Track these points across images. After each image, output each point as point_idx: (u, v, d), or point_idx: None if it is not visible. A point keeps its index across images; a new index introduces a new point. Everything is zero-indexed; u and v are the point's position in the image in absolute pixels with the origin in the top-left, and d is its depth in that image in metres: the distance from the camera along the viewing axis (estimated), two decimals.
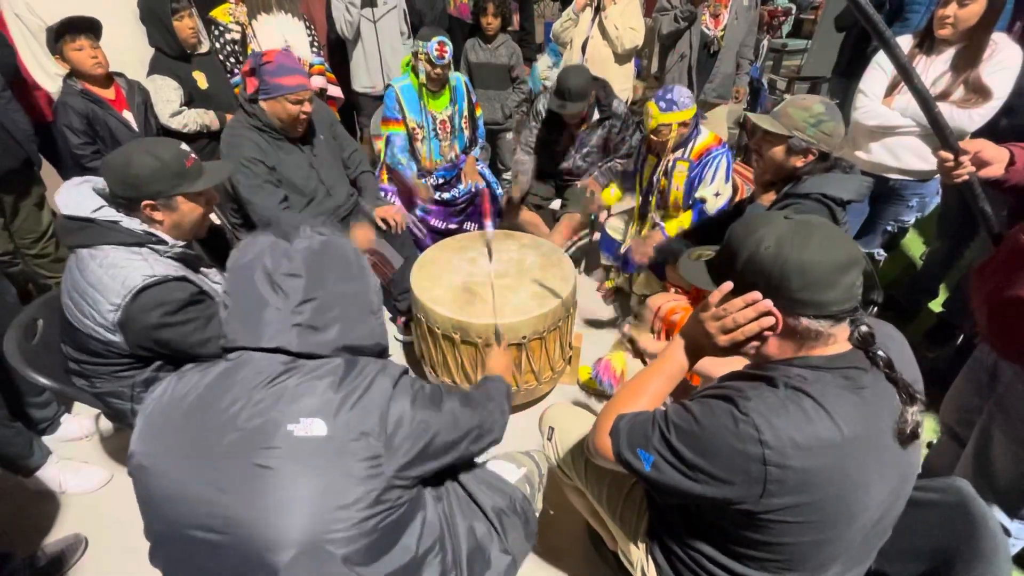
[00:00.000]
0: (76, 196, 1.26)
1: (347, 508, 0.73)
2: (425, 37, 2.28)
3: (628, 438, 0.88)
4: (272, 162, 1.93)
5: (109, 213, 1.26)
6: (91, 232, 1.24)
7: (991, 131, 1.81)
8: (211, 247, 1.57)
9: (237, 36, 2.70)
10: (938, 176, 2.09)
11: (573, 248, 3.01)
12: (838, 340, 0.80)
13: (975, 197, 1.29)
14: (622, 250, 2.43)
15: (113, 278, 1.21)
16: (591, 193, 2.58)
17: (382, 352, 0.91)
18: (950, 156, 1.23)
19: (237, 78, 2.71)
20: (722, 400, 0.80)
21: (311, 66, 2.81)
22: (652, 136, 2.12)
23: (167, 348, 1.31)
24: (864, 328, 0.79)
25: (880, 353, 0.78)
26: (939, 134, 1.22)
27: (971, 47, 1.79)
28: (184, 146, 1.33)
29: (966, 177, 1.24)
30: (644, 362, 1.49)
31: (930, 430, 1.95)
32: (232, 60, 2.73)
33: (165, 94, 2.39)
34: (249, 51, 2.72)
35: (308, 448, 0.72)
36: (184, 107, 2.45)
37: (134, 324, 1.24)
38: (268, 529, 0.71)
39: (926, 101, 1.19)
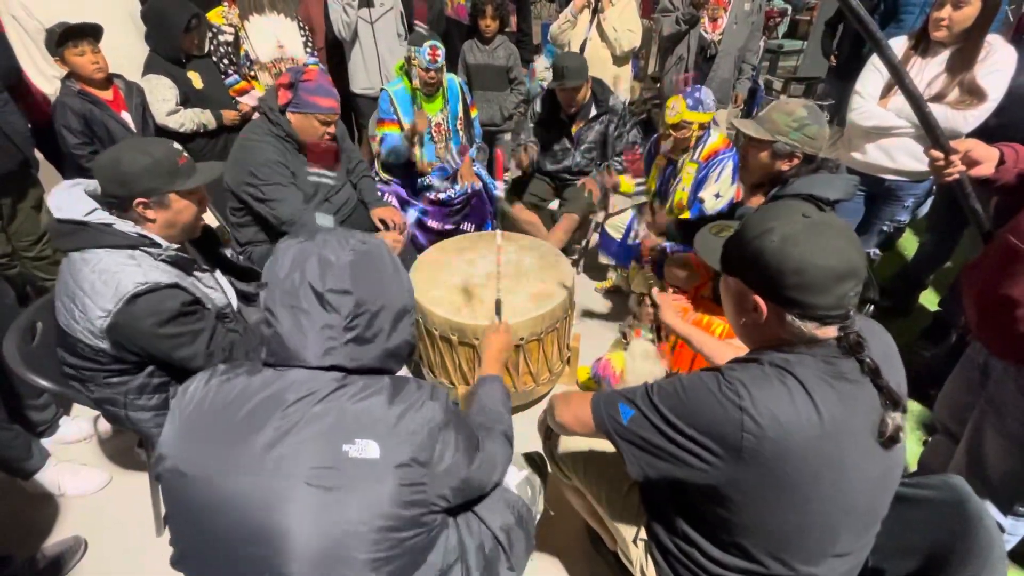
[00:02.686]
0: (68, 199, 1.25)
1: (388, 530, 0.74)
2: (417, 42, 2.31)
3: (609, 396, 0.92)
4: (291, 169, 1.95)
5: (102, 216, 1.24)
6: (84, 235, 1.23)
7: (982, 131, 1.83)
8: (204, 249, 1.57)
9: (230, 38, 2.71)
10: (933, 176, 2.12)
11: (572, 248, 3.01)
12: (821, 338, 0.82)
13: (966, 196, 1.30)
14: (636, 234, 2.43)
15: (106, 284, 1.20)
16: (589, 192, 2.60)
17: (412, 349, 0.93)
18: (941, 155, 1.24)
19: (231, 79, 2.72)
20: (709, 371, 0.83)
21: (305, 66, 2.82)
22: (671, 131, 2.12)
23: (153, 358, 1.31)
24: (853, 336, 0.79)
25: (868, 360, 0.79)
26: (930, 133, 1.23)
27: (966, 49, 1.80)
28: (176, 145, 1.32)
29: (956, 176, 1.25)
30: (659, 336, 1.50)
31: (925, 428, 1.97)
32: (225, 61, 2.74)
33: (161, 93, 2.39)
34: (242, 52, 2.72)
35: (360, 469, 0.73)
36: (180, 106, 2.45)
37: (123, 331, 1.23)
38: (310, 547, 0.71)
39: (916, 100, 1.21)
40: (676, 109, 2.05)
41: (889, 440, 0.78)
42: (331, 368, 0.79)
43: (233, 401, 0.77)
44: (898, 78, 1.21)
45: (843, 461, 0.77)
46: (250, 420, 0.75)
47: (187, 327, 1.29)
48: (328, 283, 0.79)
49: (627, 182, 2.42)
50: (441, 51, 2.32)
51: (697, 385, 0.82)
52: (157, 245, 1.29)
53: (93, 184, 1.29)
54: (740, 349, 0.99)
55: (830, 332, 0.81)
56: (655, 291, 1.43)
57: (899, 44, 1.98)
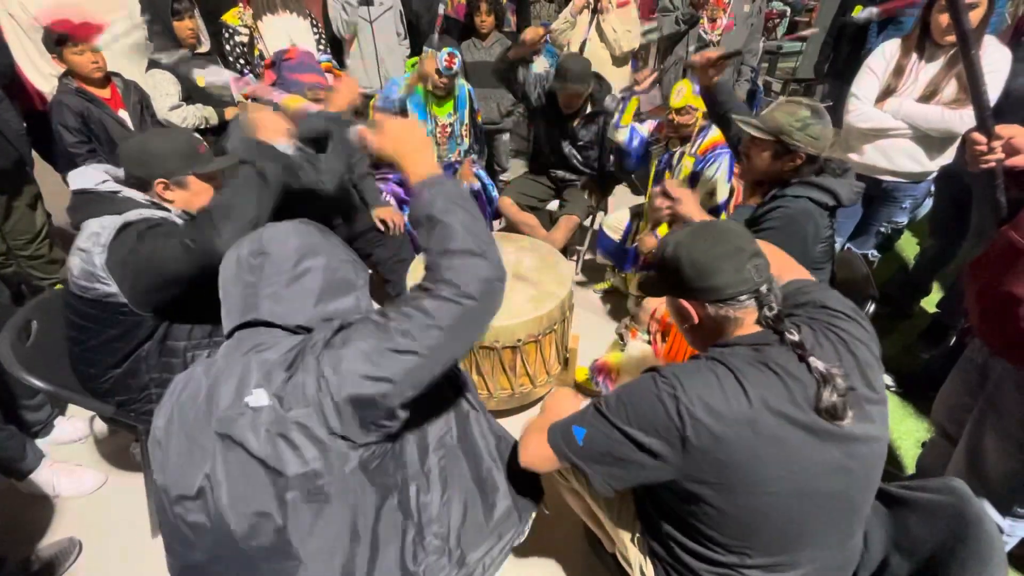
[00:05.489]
0: (84, 174, 1.32)
1: (301, 476, 0.77)
2: (435, 47, 2.35)
3: (563, 423, 0.96)
4: None
5: (111, 185, 1.31)
6: (96, 204, 1.29)
7: None
8: None
9: (245, 39, 2.72)
10: (931, 177, 2.12)
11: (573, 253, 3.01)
12: (748, 323, 0.90)
13: (995, 186, 1.23)
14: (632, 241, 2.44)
15: (104, 227, 1.25)
16: (588, 194, 2.59)
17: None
18: (983, 140, 1.17)
19: (246, 78, 2.73)
20: (649, 371, 0.91)
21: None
22: (675, 115, 2.10)
23: (148, 275, 1.24)
24: (769, 310, 0.87)
25: (789, 335, 0.84)
26: (979, 114, 1.17)
27: None
28: (197, 136, 1.40)
29: (992, 164, 1.18)
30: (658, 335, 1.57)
31: (923, 429, 1.97)
32: (241, 62, 2.75)
33: (164, 88, 2.39)
34: (256, 53, 2.73)
35: (259, 417, 0.77)
36: (182, 102, 2.45)
37: (116, 255, 1.22)
38: (228, 499, 0.77)
39: (976, 75, 1.13)
40: (682, 93, 2.04)
41: (827, 414, 0.79)
42: (253, 324, 0.86)
43: (189, 382, 0.85)
44: (965, 50, 1.13)
45: (786, 441, 0.79)
46: (194, 397, 0.83)
47: (165, 228, 1.27)
48: (247, 248, 0.89)
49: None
50: (458, 59, 2.35)
51: (638, 387, 0.88)
52: (165, 210, 1.34)
53: (116, 171, 1.37)
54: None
55: (751, 313, 0.89)
56: (670, 184, 1.47)
57: (893, 47, 1.99)
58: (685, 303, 0.93)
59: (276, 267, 0.87)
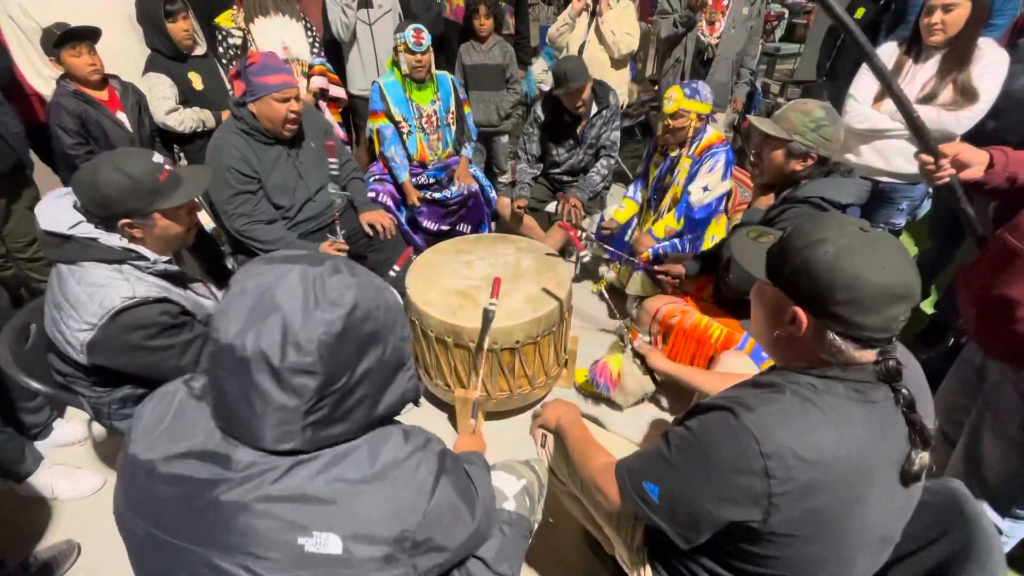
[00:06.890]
0: (54, 210, 1.20)
1: None
2: (401, 28, 2.34)
3: (632, 472, 0.88)
4: (255, 167, 1.90)
5: (87, 229, 1.20)
6: (70, 248, 1.19)
7: (978, 134, 1.84)
8: (202, 255, 1.54)
9: (239, 41, 2.71)
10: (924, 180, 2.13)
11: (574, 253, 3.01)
12: (854, 360, 0.76)
13: (957, 199, 1.29)
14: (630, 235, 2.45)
15: (91, 297, 1.17)
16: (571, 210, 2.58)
17: (416, 396, 0.80)
18: (931, 159, 1.24)
19: None
20: (721, 411, 0.77)
21: (311, 67, 2.81)
22: (669, 121, 2.11)
23: (136, 370, 1.28)
24: (892, 363, 0.74)
25: (904, 391, 0.74)
26: (918, 137, 1.23)
27: (958, 50, 1.82)
28: (157, 158, 1.24)
29: (946, 179, 1.25)
30: (654, 379, 1.46)
31: None
32: (235, 64, 2.75)
33: (160, 91, 2.38)
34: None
35: (323, 567, 0.61)
36: (179, 105, 2.45)
37: (107, 346, 1.19)
38: None
39: (905, 106, 1.20)
40: (674, 98, 2.05)
41: (912, 479, 0.75)
42: (287, 453, 0.65)
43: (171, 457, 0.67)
44: (886, 84, 1.21)
45: (870, 496, 0.74)
46: (186, 483, 0.64)
47: (177, 339, 1.27)
48: (289, 357, 0.61)
49: (620, 212, 2.45)
50: (425, 35, 2.33)
51: (713, 440, 0.76)
52: (145, 258, 1.25)
53: None
54: (735, 379, 0.96)
55: (868, 356, 0.76)
56: (637, 341, 1.44)
57: (890, 50, 2.00)
58: (801, 313, 0.75)
59: (328, 387, 0.63)
